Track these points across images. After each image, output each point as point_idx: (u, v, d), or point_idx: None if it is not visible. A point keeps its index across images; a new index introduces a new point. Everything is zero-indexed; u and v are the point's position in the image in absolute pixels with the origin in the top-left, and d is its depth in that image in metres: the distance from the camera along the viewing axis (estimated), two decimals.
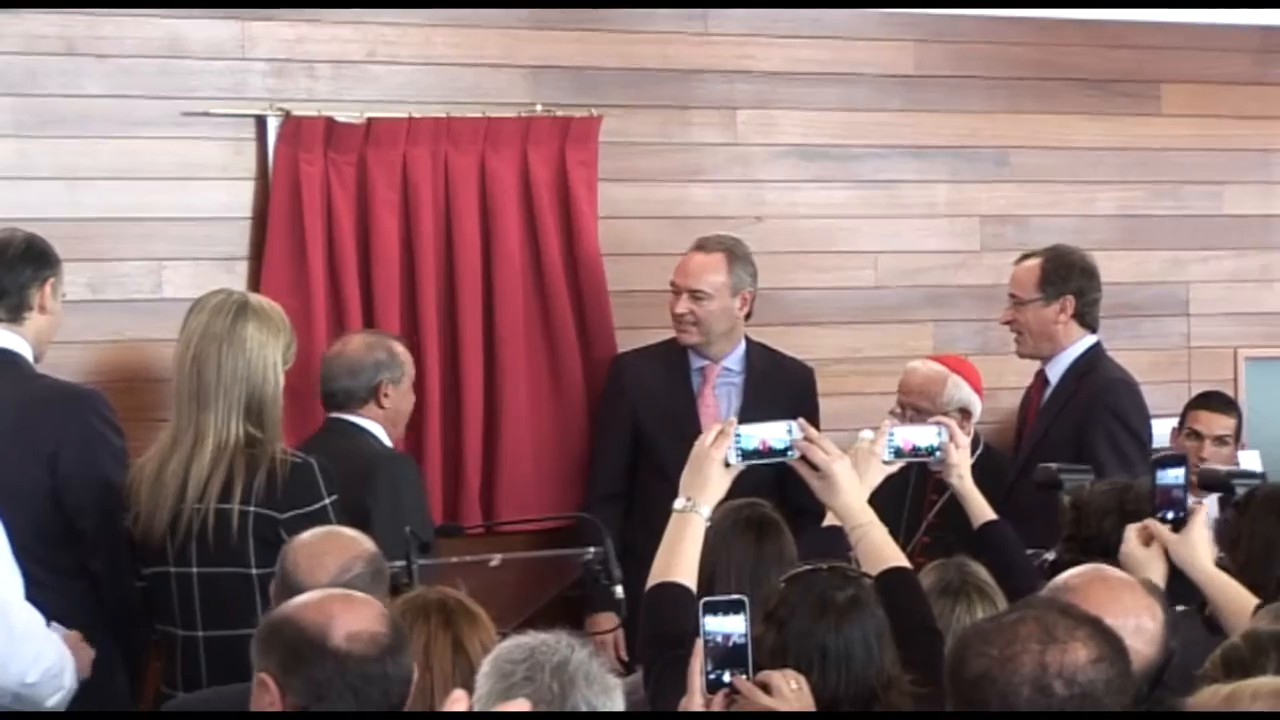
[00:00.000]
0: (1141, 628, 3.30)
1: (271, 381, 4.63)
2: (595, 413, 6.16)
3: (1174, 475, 4.22)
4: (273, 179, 5.80)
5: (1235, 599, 4.02)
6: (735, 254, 5.94)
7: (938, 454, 4.28)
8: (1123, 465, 5.44)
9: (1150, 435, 5.86)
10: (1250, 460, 4.66)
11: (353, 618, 2.98)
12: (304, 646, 2.96)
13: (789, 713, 3.28)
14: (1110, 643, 2.70)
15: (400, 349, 5.38)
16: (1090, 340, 5.79)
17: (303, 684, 2.97)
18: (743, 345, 6.04)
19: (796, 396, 5.90)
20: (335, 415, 5.30)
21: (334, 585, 3.74)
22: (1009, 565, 4.25)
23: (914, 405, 5.71)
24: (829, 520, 4.16)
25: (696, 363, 6.02)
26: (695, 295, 5.89)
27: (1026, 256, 5.92)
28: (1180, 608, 4.21)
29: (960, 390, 5.78)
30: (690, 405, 5.95)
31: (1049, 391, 5.79)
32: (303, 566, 3.85)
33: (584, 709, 3.03)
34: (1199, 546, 4.14)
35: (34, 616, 4.25)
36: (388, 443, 5.29)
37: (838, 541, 4.11)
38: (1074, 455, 5.32)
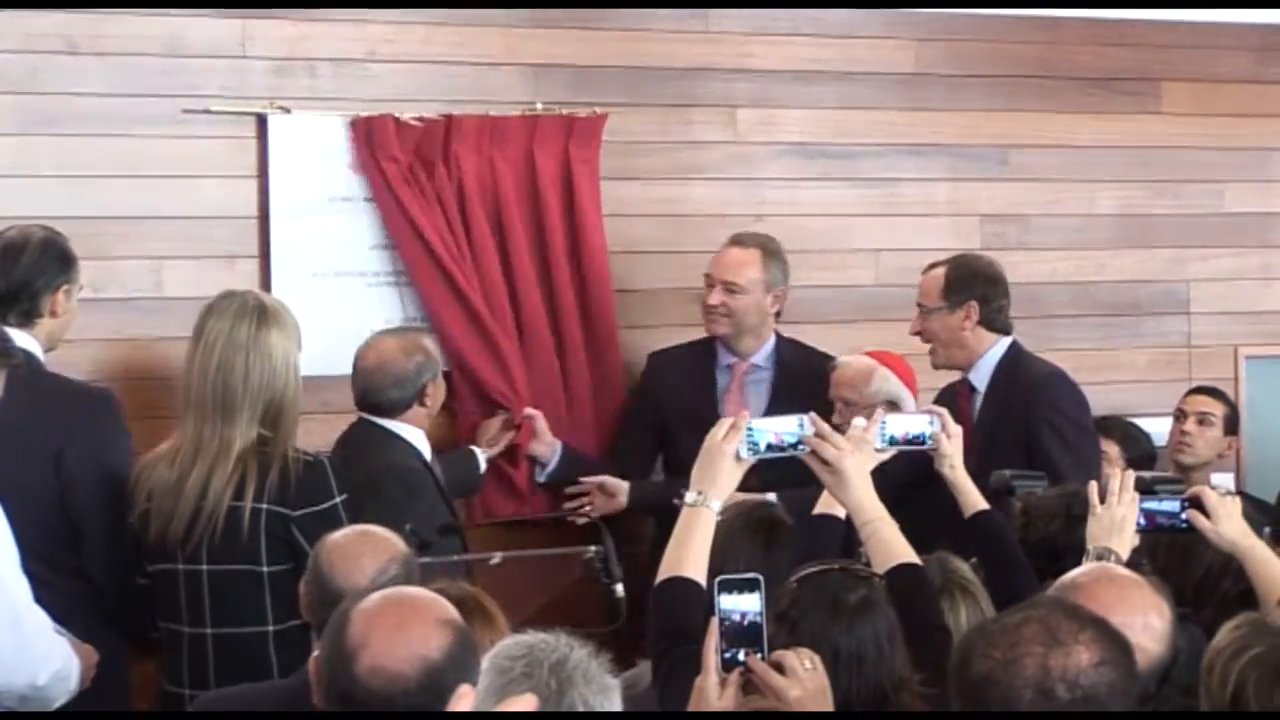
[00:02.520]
0: (1149, 625, 3.30)
1: (293, 386, 4.64)
2: (603, 408, 6.21)
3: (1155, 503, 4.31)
4: (370, 180, 5.92)
5: (1270, 577, 4.10)
6: (770, 250, 5.99)
7: (929, 443, 4.29)
8: (1077, 460, 5.44)
9: (1089, 420, 5.81)
10: (1223, 483, 4.68)
11: (387, 651, 2.94)
12: (338, 654, 2.98)
13: (800, 713, 3.28)
14: (1115, 645, 2.68)
15: (429, 342, 5.43)
16: (1006, 341, 5.75)
17: (328, 684, 3.01)
18: (772, 341, 6.07)
19: (822, 387, 5.89)
20: (371, 419, 5.29)
21: (371, 587, 3.75)
22: (1001, 555, 4.25)
23: (843, 398, 5.71)
24: (820, 508, 4.18)
25: (725, 360, 6.06)
26: (729, 288, 5.94)
27: (933, 266, 5.90)
28: (1176, 612, 4.25)
29: (888, 383, 5.76)
30: (712, 402, 5.96)
31: (979, 400, 5.75)
32: (339, 568, 3.84)
33: (581, 708, 3.02)
34: (1224, 524, 4.22)
35: (43, 619, 4.24)
36: (423, 446, 5.32)
37: (830, 530, 4.13)
38: (1025, 459, 5.33)
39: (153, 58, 5.79)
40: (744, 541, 4.27)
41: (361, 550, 3.89)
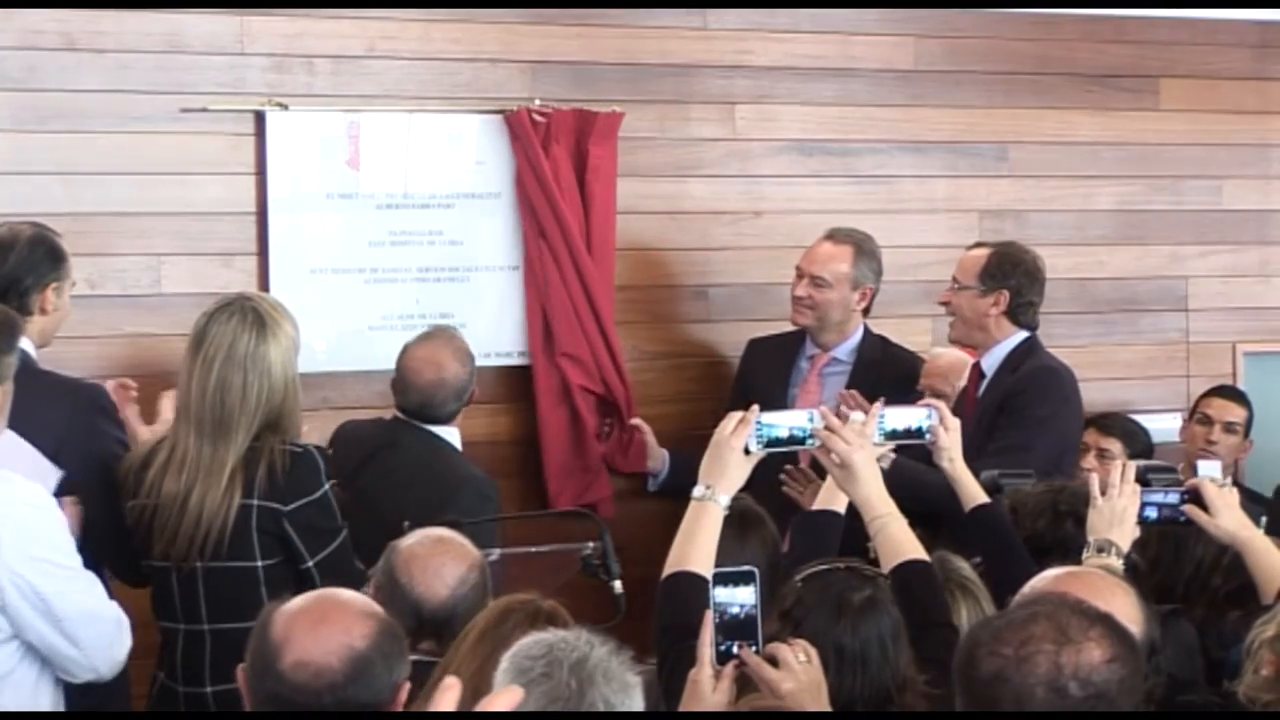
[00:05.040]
0: (1118, 612, 3.28)
1: (291, 397, 4.60)
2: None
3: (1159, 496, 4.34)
4: (518, 173, 6.09)
5: (1270, 567, 4.12)
6: (863, 249, 5.99)
7: (928, 436, 4.27)
8: (1012, 444, 5.40)
9: (1062, 420, 5.78)
10: (1210, 470, 4.69)
11: (311, 644, 2.90)
12: (262, 656, 2.94)
13: (797, 713, 3.27)
14: (1123, 641, 2.66)
15: (468, 343, 5.49)
16: (1024, 334, 5.75)
17: (254, 689, 2.97)
18: (857, 337, 6.06)
19: (899, 385, 5.83)
20: (416, 424, 5.36)
21: (452, 597, 3.82)
22: (1002, 548, 4.22)
23: (933, 388, 5.79)
24: (820, 503, 4.16)
25: (809, 350, 6.08)
26: (816, 281, 5.95)
27: (978, 245, 5.91)
28: (1167, 607, 4.26)
29: None
30: (785, 391, 5.99)
31: (984, 384, 5.76)
32: (418, 578, 3.86)
33: (601, 707, 2.98)
34: (1223, 515, 4.25)
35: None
36: (459, 445, 5.43)
37: (830, 525, 4.11)
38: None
39: (151, 54, 5.79)
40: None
41: (443, 560, 3.89)
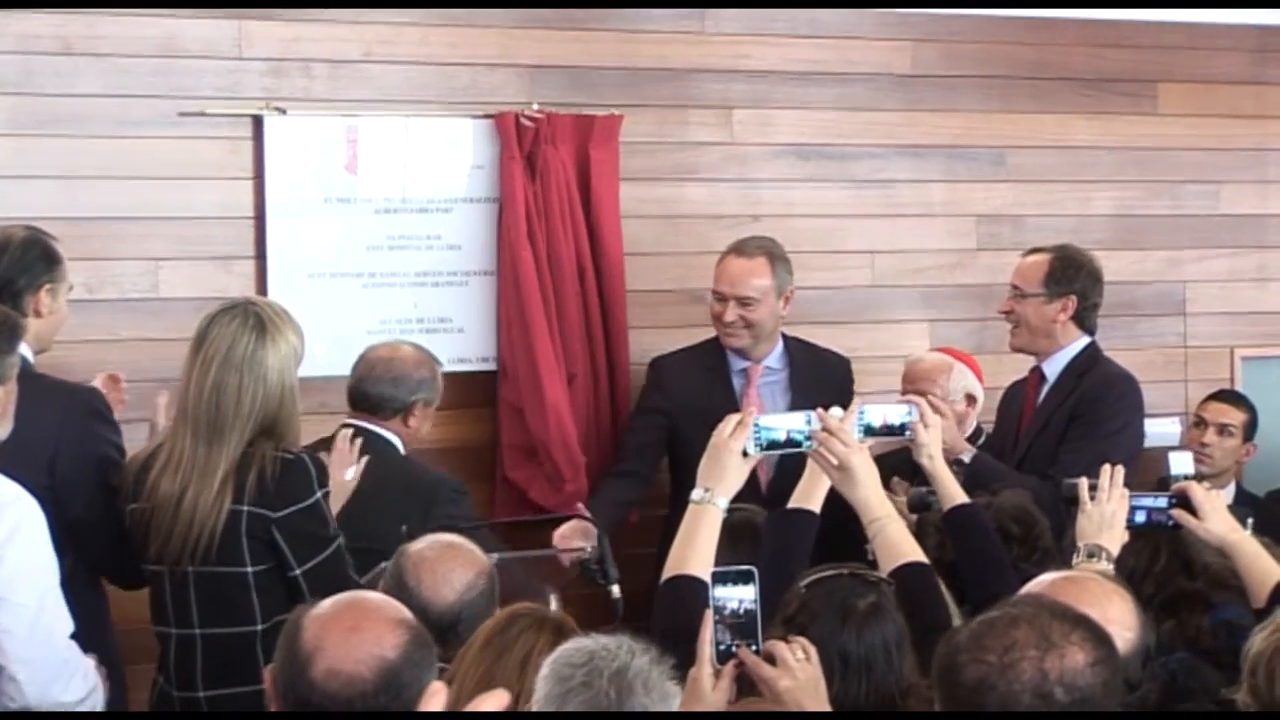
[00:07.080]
0: (1114, 618, 3.29)
1: (288, 404, 4.58)
2: (617, 411, 6.26)
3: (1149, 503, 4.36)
4: (502, 178, 6.06)
5: (1261, 570, 4.11)
6: (775, 255, 5.89)
7: (908, 433, 4.27)
8: (1080, 459, 5.38)
9: (1132, 428, 5.80)
10: (1182, 464, 4.73)
11: (343, 654, 2.90)
12: (293, 660, 2.95)
13: (796, 714, 3.27)
14: (1104, 643, 2.66)
15: (440, 374, 5.39)
16: (1086, 339, 5.77)
17: (283, 693, 2.98)
18: (781, 342, 6.01)
19: (838, 387, 5.87)
20: (356, 424, 5.22)
21: (459, 601, 3.86)
22: (978, 550, 4.22)
23: (922, 391, 5.64)
24: (795, 502, 4.15)
25: (738, 364, 5.97)
26: (744, 301, 5.83)
27: (1035, 251, 5.89)
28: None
29: (965, 377, 5.81)
30: (733, 407, 5.79)
31: (1046, 388, 5.76)
32: (426, 582, 3.89)
33: None
34: (1212, 519, 4.25)
35: (69, 630, 4.24)
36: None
37: (804, 525, 4.10)
38: None
39: (148, 59, 5.79)
40: None
41: (451, 566, 3.92)
